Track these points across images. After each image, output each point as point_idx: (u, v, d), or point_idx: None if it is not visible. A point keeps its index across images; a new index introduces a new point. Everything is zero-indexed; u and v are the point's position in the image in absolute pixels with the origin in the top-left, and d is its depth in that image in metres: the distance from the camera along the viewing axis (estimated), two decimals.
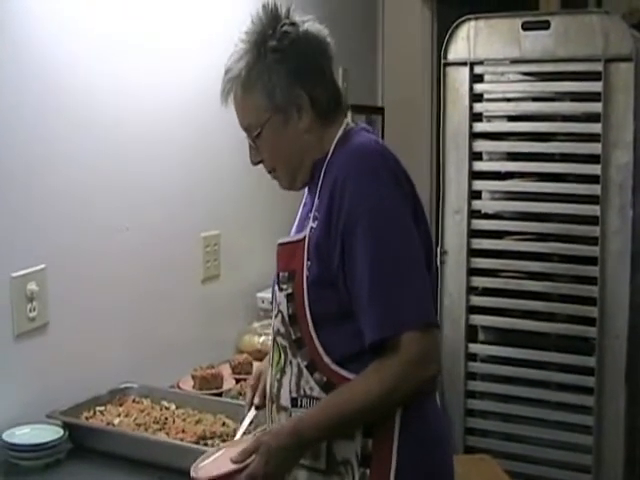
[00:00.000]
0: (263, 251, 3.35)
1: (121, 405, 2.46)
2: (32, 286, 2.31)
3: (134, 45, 2.67)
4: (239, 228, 3.20)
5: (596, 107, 2.96)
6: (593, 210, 2.98)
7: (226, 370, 2.82)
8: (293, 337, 1.90)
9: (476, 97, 3.17)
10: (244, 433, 2.07)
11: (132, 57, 2.67)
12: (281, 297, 1.92)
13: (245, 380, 2.68)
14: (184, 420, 2.35)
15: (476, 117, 3.19)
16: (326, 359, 1.85)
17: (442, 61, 3.19)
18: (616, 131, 2.93)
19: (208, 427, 2.29)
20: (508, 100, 3.22)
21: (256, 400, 2.14)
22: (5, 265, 2.25)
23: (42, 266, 2.34)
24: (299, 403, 1.90)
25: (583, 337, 3.07)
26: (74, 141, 2.46)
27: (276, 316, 1.96)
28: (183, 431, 2.27)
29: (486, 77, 3.20)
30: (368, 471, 1.84)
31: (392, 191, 1.83)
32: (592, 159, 2.99)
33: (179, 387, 2.70)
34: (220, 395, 2.64)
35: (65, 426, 2.25)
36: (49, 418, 2.27)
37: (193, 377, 2.70)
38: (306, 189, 2.04)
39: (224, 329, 3.11)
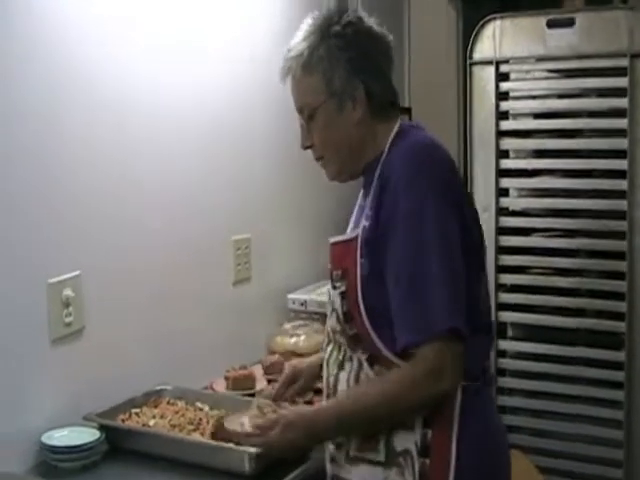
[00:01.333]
0: (293, 253, 3.40)
1: (156, 407, 2.49)
2: (68, 292, 2.35)
3: (171, 51, 2.71)
4: (269, 231, 3.23)
5: (622, 103, 2.96)
6: (620, 205, 2.99)
7: (258, 371, 2.84)
8: (349, 333, 1.93)
9: (502, 95, 3.19)
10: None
11: (168, 59, 2.71)
12: (335, 295, 1.95)
13: (277, 381, 2.70)
14: None
15: (502, 115, 3.20)
16: (385, 352, 1.87)
17: (468, 60, 3.21)
18: None
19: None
20: (534, 98, 3.23)
21: (289, 393, 2.24)
22: (41, 272, 2.29)
23: (77, 272, 2.38)
24: None
25: (612, 332, 3.08)
26: (106, 144, 2.48)
27: (331, 314, 1.99)
28: None
29: (512, 75, 3.21)
30: (428, 461, 1.86)
31: (438, 195, 1.84)
32: (618, 154, 2.99)
33: (212, 388, 2.73)
34: (253, 395, 2.66)
35: (101, 428, 2.28)
36: (86, 420, 2.31)
37: (226, 378, 2.73)
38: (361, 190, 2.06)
39: (256, 330, 3.14)
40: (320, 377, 2.15)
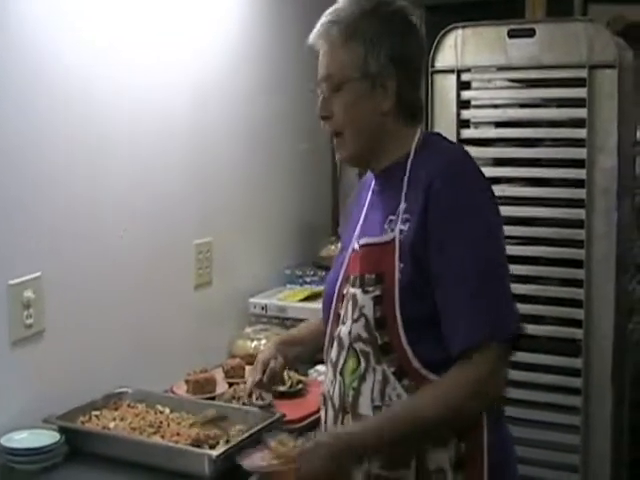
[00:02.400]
0: (254, 257, 3.41)
1: (116, 409, 2.49)
2: (28, 294, 2.35)
3: (132, 50, 2.72)
4: (231, 235, 3.24)
5: (581, 113, 2.99)
6: (579, 214, 3.02)
7: (219, 374, 2.85)
8: (379, 342, 1.85)
9: (463, 104, 3.21)
10: None
11: (130, 61, 2.72)
12: (366, 300, 1.87)
13: (238, 384, 2.71)
14: (178, 424, 2.39)
15: (463, 124, 3.22)
16: (415, 364, 1.82)
17: (430, 69, 3.23)
18: (601, 136, 2.96)
19: (202, 430, 2.32)
20: (495, 107, 3.25)
21: (265, 378, 2.19)
22: (1, 273, 2.29)
23: (38, 274, 2.38)
24: None
25: (570, 339, 3.11)
26: (69, 149, 2.49)
27: (355, 321, 1.89)
28: (178, 434, 2.30)
29: (473, 84, 3.23)
30: (461, 476, 1.83)
31: (487, 201, 1.85)
32: (578, 164, 3.02)
33: (173, 392, 2.73)
34: (213, 399, 2.67)
35: (62, 430, 2.29)
36: (46, 423, 2.31)
37: (187, 382, 2.74)
38: (371, 189, 2.02)
39: (217, 334, 3.15)
40: (301, 355, 2.20)
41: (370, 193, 2.03)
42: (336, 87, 1.91)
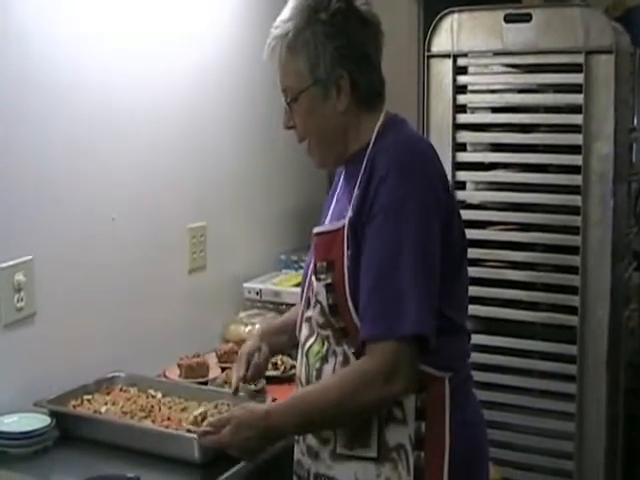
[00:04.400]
0: (249, 242, 3.40)
1: (108, 394, 2.49)
2: (19, 277, 2.35)
3: (125, 39, 2.71)
4: (225, 220, 3.24)
5: (577, 99, 2.98)
6: (575, 200, 3.01)
7: (212, 359, 2.85)
8: (336, 326, 1.89)
9: (460, 89, 3.20)
10: None
11: (122, 51, 2.70)
12: (319, 287, 1.90)
13: (230, 369, 2.70)
14: (170, 408, 2.38)
15: (460, 109, 3.21)
16: None
17: (426, 53, 3.22)
18: (597, 122, 2.95)
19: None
20: (491, 92, 3.24)
21: (249, 375, 2.22)
22: None
23: (29, 257, 2.38)
24: None
25: (565, 325, 3.10)
26: (61, 134, 2.48)
27: (314, 307, 1.94)
28: (169, 419, 2.30)
29: (470, 69, 3.22)
30: (422, 454, 1.85)
31: (422, 193, 1.82)
32: (574, 150, 3.01)
33: (165, 376, 2.73)
34: (206, 383, 2.67)
35: (53, 414, 2.28)
36: (37, 407, 2.30)
37: (179, 366, 2.73)
38: (341, 178, 2.04)
39: (210, 319, 3.15)
40: (287, 343, 2.22)
41: (340, 180, 2.06)
42: (293, 99, 1.94)
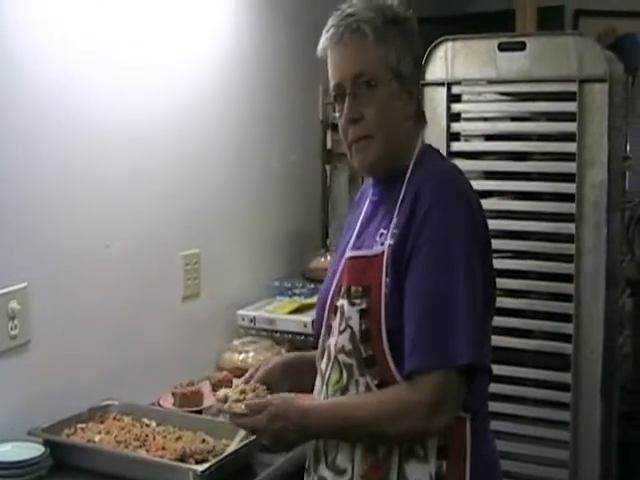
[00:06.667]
0: (243, 269, 3.40)
1: (102, 422, 2.48)
2: (14, 304, 2.34)
3: (121, 59, 2.72)
4: (219, 246, 3.23)
5: (571, 127, 2.99)
6: (568, 228, 3.01)
7: (206, 387, 2.83)
8: (364, 355, 1.85)
9: (453, 117, 3.21)
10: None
11: (116, 71, 2.70)
12: (352, 312, 1.86)
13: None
14: (164, 437, 2.37)
15: (453, 136, 3.22)
16: (398, 378, 1.81)
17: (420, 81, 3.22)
18: (591, 150, 2.96)
19: (188, 444, 2.30)
20: (485, 119, 3.25)
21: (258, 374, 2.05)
22: None
23: (24, 284, 2.36)
24: None
25: (559, 353, 3.10)
26: (54, 159, 2.48)
27: (341, 332, 1.89)
28: (163, 448, 2.29)
29: (463, 97, 3.23)
30: None
31: (466, 225, 1.81)
32: (567, 178, 3.02)
33: (159, 404, 2.71)
34: (200, 412, 2.66)
35: (46, 443, 2.27)
36: (30, 435, 2.29)
37: (173, 394, 2.72)
38: (368, 198, 2.02)
39: (204, 347, 3.13)
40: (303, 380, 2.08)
41: (367, 202, 2.03)
42: (370, 85, 1.86)
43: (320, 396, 1.97)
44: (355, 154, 1.93)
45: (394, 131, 1.89)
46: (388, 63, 1.86)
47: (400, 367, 1.81)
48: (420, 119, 1.97)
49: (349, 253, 1.94)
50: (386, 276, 1.82)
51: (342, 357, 1.89)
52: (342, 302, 1.90)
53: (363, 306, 1.84)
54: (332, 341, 1.93)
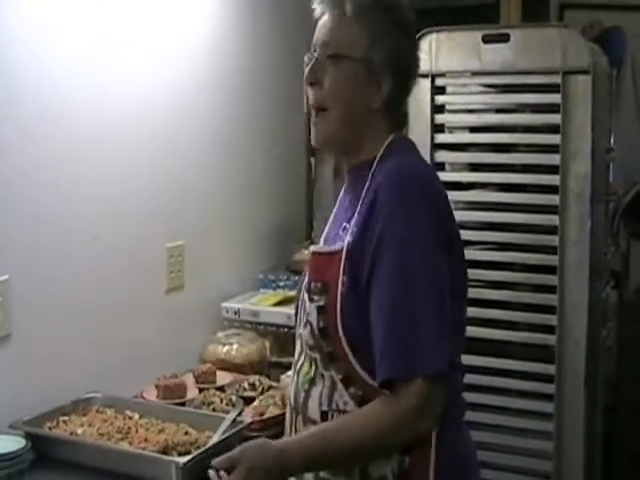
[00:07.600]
0: (227, 261, 3.39)
1: (85, 415, 2.47)
2: None
3: (106, 56, 2.71)
4: (203, 239, 3.22)
5: (555, 119, 2.99)
6: (552, 220, 3.02)
7: (190, 380, 2.83)
8: (325, 350, 1.84)
9: (438, 109, 3.20)
10: None
11: (104, 66, 2.69)
12: (311, 308, 1.85)
13: (208, 390, 2.70)
14: (147, 429, 2.37)
15: (438, 128, 3.21)
16: (362, 374, 1.80)
17: None
18: (575, 142, 2.96)
19: (171, 436, 2.30)
20: (469, 112, 3.25)
21: None
22: None
23: (5, 277, 2.35)
24: (330, 417, 1.84)
25: (543, 345, 3.10)
26: (38, 153, 2.46)
27: (305, 326, 1.89)
28: (146, 440, 2.29)
29: (448, 89, 3.23)
30: None
31: (427, 223, 1.77)
32: (551, 170, 3.02)
33: (143, 397, 2.71)
34: (183, 404, 2.65)
35: (28, 436, 2.25)
36: (12, 428, 2.28)
37: (157, 387, 2.71)
38: (340, 195, 2.00)
39: (188, 339, 3.13)
40: None
41: (342, 192, 2.02)
42: (335, 56, 1.86)
43: (292, 385, 1.97)
44: (313, 128, 1.93)
45: (349, 111, 1.87)
46: (359, 45, 1.85)
47: (362, 362, 1.80)
48: (393, 117, 1.93)
49: (312, 248, 1.95)
50: (343, 274, 1.81)
51: (309, 351, 1.90)
52: (305, 297, 1.91)
53: (321, 303, 1.84)
54: (302, 332, 1.94)
